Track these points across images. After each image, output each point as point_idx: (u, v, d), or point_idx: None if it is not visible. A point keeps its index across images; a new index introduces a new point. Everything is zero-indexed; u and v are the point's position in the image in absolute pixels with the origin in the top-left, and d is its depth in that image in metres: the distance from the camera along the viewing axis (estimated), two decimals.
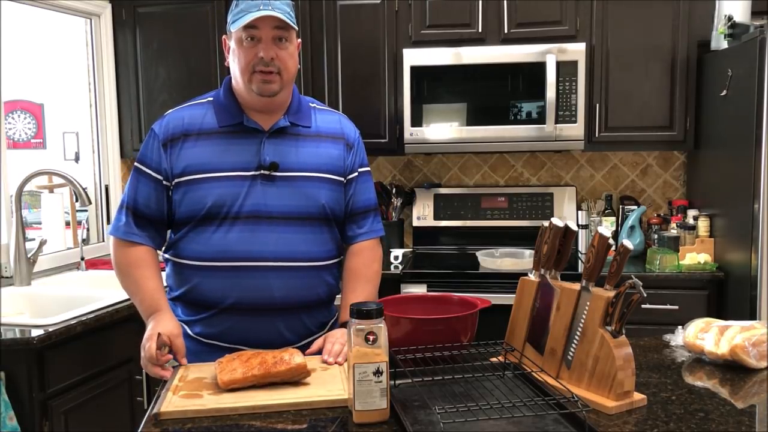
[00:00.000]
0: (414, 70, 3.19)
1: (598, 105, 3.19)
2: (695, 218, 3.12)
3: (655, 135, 3.19)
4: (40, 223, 3.85)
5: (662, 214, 3.38)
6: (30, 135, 5.05)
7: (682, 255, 3.01)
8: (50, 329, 2.17)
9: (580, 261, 3.21)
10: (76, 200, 3.67)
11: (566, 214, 3.47)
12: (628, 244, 1.39)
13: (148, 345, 1.54)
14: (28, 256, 2.81)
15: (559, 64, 3.07)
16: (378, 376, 1.27)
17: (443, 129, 3.21)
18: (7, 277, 2.82)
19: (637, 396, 1.37)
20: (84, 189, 2.82)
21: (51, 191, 3.94)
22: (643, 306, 2.86)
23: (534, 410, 1.29)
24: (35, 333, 2.13)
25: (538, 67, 3.09)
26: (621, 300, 1.36)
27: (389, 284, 2.98)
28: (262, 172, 1.69)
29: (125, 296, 2.03)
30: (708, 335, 1.64)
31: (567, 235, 1.54)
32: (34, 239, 3.00)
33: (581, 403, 1.25)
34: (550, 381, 1.42)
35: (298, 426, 1.30)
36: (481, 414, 1.21)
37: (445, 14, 3.23)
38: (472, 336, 1.65)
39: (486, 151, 3.40)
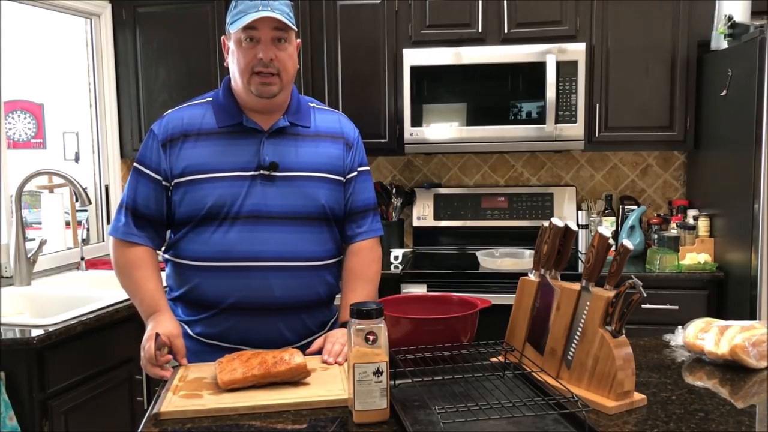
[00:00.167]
0: (414, 70, 3.18)
1: (598, 105, 3.19)
2: (695, 218, 3.11)
3: (655, 135, 3.19)
4: (40, 223, 3.84)
5: (662, 214, 3.38)
6: (30, 135, 5.05)
7: (682, 255, 3.01)
8: (50, 329, 2.17)
9: (580, 261, 3.21)
10: (76, 200, 3.67)
11: (566, 214, 3.46)
12: (628, 244, 1.39)
13: (147, 345, 1.54)
14: (28, 256, 2.81)
15: (559, 64, 3.07)
16: (378, 376, 1.27)
17: (443, 129, 3.21)
18: (7, 277, 2.82)
19: (637, 396, 1.37)
20: (84, 189, 2.82)
21: (51, 191, 3.94)
22: (643, 306, 2.86)
23: (534, 410, 1.29)
24: (35, 333, 2.13)
25: (538, 67, 3.09)
26: (621, 300, 1.36)
27: (389, 284, 2.98)
28: (261, 172, 1.69)
29: (125, 296, 2.03)
30: (708, 335, 1.64)
31: (567, 235, 1.54)
32: (34, 239, 3.00)
33: (581, 403, 1.25)
34: (550, 381, 1.42)
35: (298, 426, 1.30)
36: (481, 414, 1.21)
37: (445, 14, 3.23)
38: (472, 336, 1.65)
39: (486, 151, 3.40)
